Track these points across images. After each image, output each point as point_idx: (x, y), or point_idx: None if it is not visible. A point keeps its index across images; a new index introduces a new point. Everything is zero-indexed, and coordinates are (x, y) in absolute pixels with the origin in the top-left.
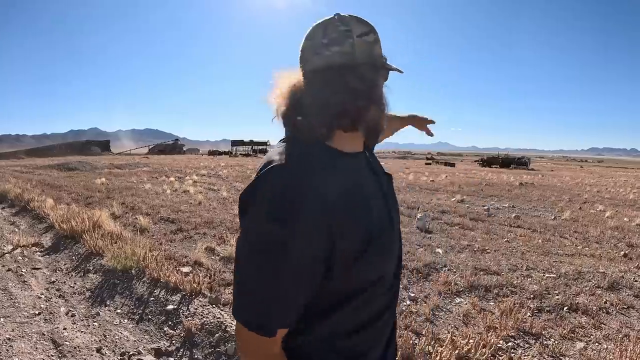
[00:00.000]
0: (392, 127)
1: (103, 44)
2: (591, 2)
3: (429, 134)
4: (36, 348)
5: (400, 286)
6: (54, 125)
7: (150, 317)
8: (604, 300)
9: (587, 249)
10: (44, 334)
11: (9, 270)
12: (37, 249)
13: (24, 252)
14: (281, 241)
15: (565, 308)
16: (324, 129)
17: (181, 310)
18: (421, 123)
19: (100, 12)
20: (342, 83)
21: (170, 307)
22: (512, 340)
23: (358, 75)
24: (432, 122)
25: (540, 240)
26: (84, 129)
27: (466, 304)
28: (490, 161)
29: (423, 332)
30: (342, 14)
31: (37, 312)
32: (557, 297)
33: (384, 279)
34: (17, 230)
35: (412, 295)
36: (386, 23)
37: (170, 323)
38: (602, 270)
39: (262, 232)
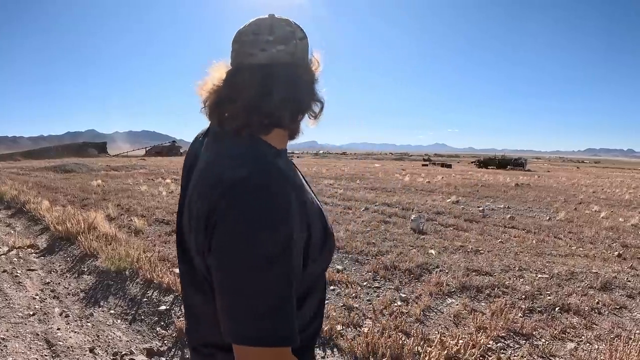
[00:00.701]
0: None
1: (100, 45)
2: (587, 1)
3: None
4: (30, 348)
5: (392, 287)
6: (50, 127)
7: (143, 317)
8: (596, 300)
9: (581, 249)
10: (38, 334)
11: (4, 271)
12: (33, 251)
13: (20, 253)
14: (285, 242)
15: (557, 308)
16: (265, 123)
17: (173, 311)
18: None
19: (97, 12)
20: (290, 79)
21: (162, 307)
22: (502, 340)
23: (301, 73)
24: None
25: (534, 241)
26: (80, 130)
27: (457, 304)
28: (486, 162)
29: (412, 333)
30: (278, 16)
31: (31, 313)
32: (549, 297)
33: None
34: (12, 232)
35: (404, 295)
36: (381, 24)
37: (162, 323)
38: (595, 271)
39: (267, 238)
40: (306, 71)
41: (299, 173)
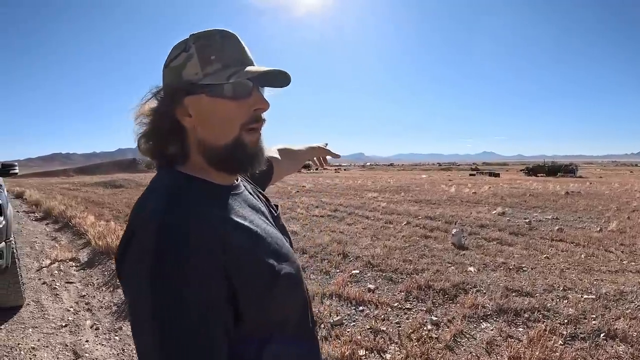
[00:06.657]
0: (294, 161)
1: (149, 59)
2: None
3: (326, 164)
4: (58, 358)
5: (424, 308)
6: (102, 143)
7: None
8: None
9: (633, 263)
10: (66, 345)
11: (44, 283)
12: (74, 264)
13: (61, 266)
14: (174, 296)
15: (601, 335)
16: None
17: None
18: (321, 154)
19: (149, 25)
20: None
21: None
22: None
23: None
24: (336, 155)
25: (582, 256)
26: (131, 147)
27: (492, 329)
28: (535, 170)
29: None
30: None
31: (64, 324)
32: (593, 322)
33: (299, 312)
34: (57, 245)
35: (435, 319)
36: (426, 30)
37: None
38: None
39: (153, 292)
40: (165, 99)
41: (255, 199)
